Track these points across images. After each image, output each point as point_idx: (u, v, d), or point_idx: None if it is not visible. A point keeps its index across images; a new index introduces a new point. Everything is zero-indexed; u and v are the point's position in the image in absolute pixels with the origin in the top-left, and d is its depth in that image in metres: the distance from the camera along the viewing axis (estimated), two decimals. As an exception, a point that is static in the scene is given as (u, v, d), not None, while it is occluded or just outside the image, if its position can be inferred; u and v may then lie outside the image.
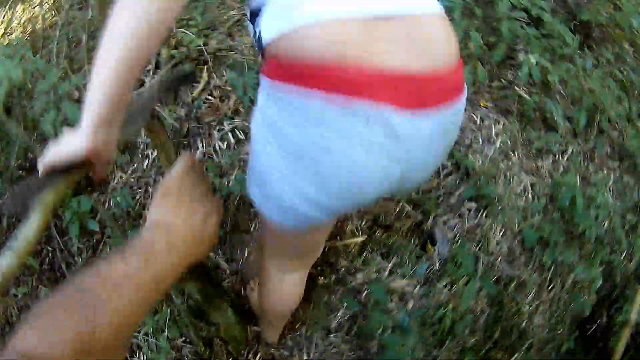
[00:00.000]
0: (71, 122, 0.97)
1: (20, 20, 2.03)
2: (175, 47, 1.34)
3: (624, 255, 1.51)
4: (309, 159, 0.58)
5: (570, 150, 1.50)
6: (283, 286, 0.91)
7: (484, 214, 1.27)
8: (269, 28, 0.61)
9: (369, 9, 0.57)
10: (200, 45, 1.30)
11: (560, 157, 1.48)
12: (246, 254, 1.23)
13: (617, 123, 1.63)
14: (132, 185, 1.31)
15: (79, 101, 1.15)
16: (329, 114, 0.55)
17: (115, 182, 1.34)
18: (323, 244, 0.92)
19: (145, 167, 1.34)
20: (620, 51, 1.74)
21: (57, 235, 1.28)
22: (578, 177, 1.50)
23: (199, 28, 1.36)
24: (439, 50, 0.61)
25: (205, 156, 1.27)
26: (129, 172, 1.35)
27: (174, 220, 0.55)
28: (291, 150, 0.59)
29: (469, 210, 1.26)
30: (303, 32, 0.57)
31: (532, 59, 1.30)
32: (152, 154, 1.34)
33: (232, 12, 1.59)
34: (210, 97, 1.34)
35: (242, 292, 1.21)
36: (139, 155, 1.35)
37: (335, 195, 0.61)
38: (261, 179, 0.65)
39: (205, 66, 1.37)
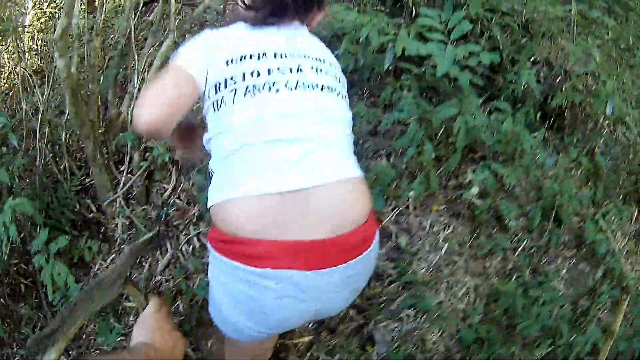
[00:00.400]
0: (70, 286, 1.14)
1: (11, 55, 2.13)
2: (145, 154, 1.44)
3: (569, 342, 1.60)
4: (243, 304, 0.77)
5: (522, 247, 1.55)
6: None
7: (423, 319, 1.38)
8: (209, 196, 0.79)
9: (281, 186, 0.72)
10: (166, 159, 1.41)
11: (512, 254, 1.54)
12: (209, 345, 1.42)
13: (579, 210, 1.64)
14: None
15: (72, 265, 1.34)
16: (249, 277, 0.73)
17: (96, 268, 1.54)
18: (272, 349, 1.13)
19: (123, 259, 1.51)
20: (591, 133, 1.70)
21: (48, 312, 1.51)
22: (528, 271, 1.56)
23: None
24: (343, 216, 0.75)
25: (173, 258, 1.43)
26: (108, 261, 1.53)
27: (152, 343, 0.76)
28: (231, 296, 0.78)
29: (408, 316, 1.37)
30: (227, 207, 0.75)
31: (476, 186, 1.33)
32: (126, 247, 1.50)
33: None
34: (178, 201, 1.46)
35: (207, 376, 1.41)
36: (117, 247, 1.52)
37: (266, 326, 0.80)
38: (216, 309, 0.84)
39: (174, 169, 1.48)
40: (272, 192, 0.71)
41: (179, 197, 1.44)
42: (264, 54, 0.79)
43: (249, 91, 0.76)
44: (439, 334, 1.41)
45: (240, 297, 0.75)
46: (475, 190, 1.36)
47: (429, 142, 1.33)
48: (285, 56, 0.80)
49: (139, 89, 1.48)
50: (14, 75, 1.88)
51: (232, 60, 0.77)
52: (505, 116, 1.40)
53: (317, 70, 0.82)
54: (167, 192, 1.44)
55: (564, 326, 1.56)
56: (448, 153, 1.39)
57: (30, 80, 1.76)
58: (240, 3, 0.85)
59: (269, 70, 0.77)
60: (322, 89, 0.81)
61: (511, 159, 1.46)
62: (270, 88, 0.76)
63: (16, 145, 1.52)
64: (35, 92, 1.65)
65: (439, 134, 1.42)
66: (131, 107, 1.48)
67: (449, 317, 1.40)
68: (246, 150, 0.74)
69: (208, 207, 0.79)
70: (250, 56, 0.78)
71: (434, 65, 1.36)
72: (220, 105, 0.77)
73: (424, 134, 1.33)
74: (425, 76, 1.38)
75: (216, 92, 0.77)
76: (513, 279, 1.53)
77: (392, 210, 1.40)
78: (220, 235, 0.76)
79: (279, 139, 0.74)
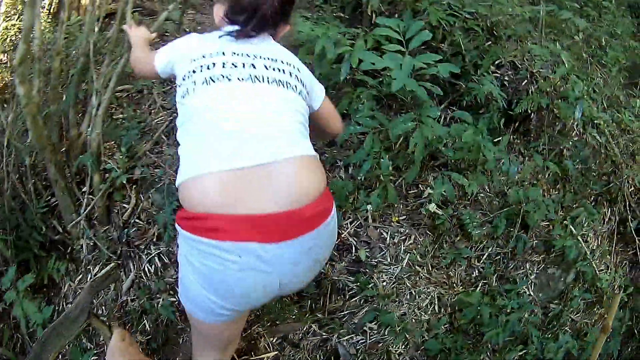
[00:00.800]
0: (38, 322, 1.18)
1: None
2: (105, 174, 1.44)
3: (540, 346, 1.60)
4: (209, 279, 0.80)
5: (486, 254, 1.54)
6: None
7: (387, 331, 1.39)
8: (178, 176, 0.84)
9: (238, 162, 0.78)
10: (124, 181, 1.40)
11: (476, 262, 1.54)
12: (177, 362, 1.43)
13: (546, 215, 1.63)
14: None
15: (36, 297, 1.35)
16: (213, 250, 0.77)
17: (65, 289, 1.54)
18: (238, 338, 1.14)
19: (88, 278, 1.52)
20: (558, 136, 1.68)
21: (28, 339, 1.52)
22: (494, 278, 1.56)
23: (123, 154, 1.44)
24: (299, 190, 0.80)
25: (137, 278, 1.43)
26: (76, 281, 1.53)
27: None
28: (197, 273, 0.81)
29: (371, 329, 1.38)
30: (189, 185, 0.80)
31: (435, 201, 1.31)
32: (93, 268, 1.51)
33: (162, 115, 1.63)
34: (138, 220, 1.45)
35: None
36: (84, 268, 1.53)
37: (232, 302, 0.83)
38: (185, 289, 0.87)
39: (133, 189, 1.47)
40: (230, 169, 0.77)
41: (139, 217, 1.44)
42: (223, 52, 0.89)
43: (206, 81, 0.85)
44: (404, 346, 1.42)
45: (206, 272, 0.79)
46: (433, 206, 1.35)
47: (386, 155, 1.31)
48: (242, 55, 0.90)
49: (97, 108, 1.47)
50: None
51: (196, 57, 0.89)
52: (466, 126, 1.38)
53: (270, 68, 0.90)
54: (128, 212, 1.44)
55: (534, 332, 1.57)
56: (407, 163, 1.38)
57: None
58: (224, 19, 0.95)
59: (223, 64, 0.87)
60: (272, 82, 0.88)
61: (473, 167, 1.44)
62: (223, 79, 0.85)
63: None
64: (0, 113, 1.64)
65: (398, 144, 1.41)
66: (90, 128, 1.47)
67: (413, 329, 1.40)
68: (205, 132, 0.82)
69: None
70: (210, 54, 0.89)
71: (392, 76, 1.34)
72: (185, 95, 0.87)
73: (380, 146, 1.32)
74: (383, 87, 1.36)
75: (183, 83, 0.89)
76: (479, 286, 1.53)
77: (351, 223, 1.40)
78: (185, 213, 0.81)
79: (234, 122, 0.81)
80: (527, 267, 1.64)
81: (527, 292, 1.63)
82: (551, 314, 1.72)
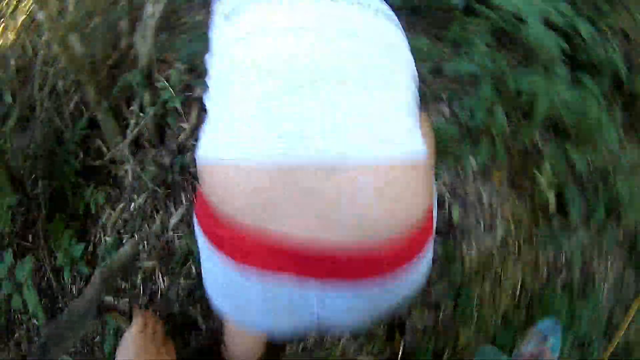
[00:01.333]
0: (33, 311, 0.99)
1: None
2: (158, 92, 1.23)
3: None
4: (222, 295, 0.61)
5: (576, 239, 1.38)
6: (244, 333, 0.95)
7: (461, 312, 1.23)
8: (200, 148, 0.57)
9: (278, 155, 0.47)
10: (178, 105, 1.18)
11: (567, 244, 1.37)
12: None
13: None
14: (119, 229, 1.32)
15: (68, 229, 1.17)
16: (228, 271, 0.53)
17: (104, 219, 1.36)
18: None
19: (132, 209, 1.33)
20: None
21: (51, 276, 1.33)
22: (578, 271, 1.40)
23: (178, 70, 1.23)
24: (369, 221, 0.49)
25: (188, 213, 1.25)
26: (117, 210, 1.35)
27: None
28: (209, 275, 0.63)
29: (446, 306, 1.22)
30: (207, 170, 0.55)
31: (546, 177, 1.13)
32: (137, 197, 1.32)
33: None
34: (196, 143, 1.25)
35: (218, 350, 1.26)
36: (127, 196, 1.34)
37: (248, 324, 0.67)
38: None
39: (194, 105, 1.27)
40: (268, 164, 0.47)
41: (198, 139, 1.23)
42: None
43: None
44: (474, 330, 1.26)
45: (218, 284, 0.60)
46: (552, 196, 1.14)
47: (501, 106, 1.13)
48: None
49: (151, 18, 1.25)
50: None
51: None
52: (588, 93, 1.19)
53: None
54: (186, 133, 1.23)
55: (597, 340, 1.42)
56: (517, 114, 1.18)
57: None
58: None
59: None
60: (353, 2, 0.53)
61: (585, 140, 1.27)
62: None
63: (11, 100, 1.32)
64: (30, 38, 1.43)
65: (514, 109, 1.22)
66: (142, 40, 1.25)
67: (489, 316, 1.24)
68: (235, 91, 0.52)
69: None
70: None
71: (516, 16, 1.15)
72: (217, 25, 0.61)
73: (495, 95, 1.13)
74: (504, 25, 1.16)
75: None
76: (562, 274, 1.37)
77: (448, 171, 1.18)
78: (204, 204, 0.54)
79: (285, 76, 0.48)
80: (609, 263, 1.48)
81: (604, 292, 1.48)
82: (614, 321, 1.57)
